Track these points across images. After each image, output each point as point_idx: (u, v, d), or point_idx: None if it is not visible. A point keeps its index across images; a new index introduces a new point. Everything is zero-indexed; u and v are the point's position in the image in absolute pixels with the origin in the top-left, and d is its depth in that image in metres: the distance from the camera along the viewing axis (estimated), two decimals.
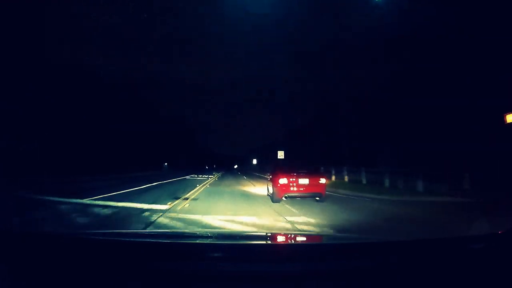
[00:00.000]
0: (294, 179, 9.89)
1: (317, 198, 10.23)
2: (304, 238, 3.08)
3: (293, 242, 2.65)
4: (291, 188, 9.83)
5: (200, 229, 5.55)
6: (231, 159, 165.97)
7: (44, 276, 1.61)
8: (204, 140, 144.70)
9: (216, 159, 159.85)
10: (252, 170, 68.26)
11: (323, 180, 10.34)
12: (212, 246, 2.06)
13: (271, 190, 11.79)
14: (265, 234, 3.73)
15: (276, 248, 2.16)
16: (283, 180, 9.87)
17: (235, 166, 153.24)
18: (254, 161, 67.53)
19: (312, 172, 10.73)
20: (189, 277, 1.59)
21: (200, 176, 32.96)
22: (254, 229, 5.99)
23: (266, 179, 13.25)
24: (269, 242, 2.63)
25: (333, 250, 1.97)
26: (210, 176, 33.86)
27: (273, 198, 10.34)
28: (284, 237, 3.14)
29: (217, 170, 69.49)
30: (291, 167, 10.78)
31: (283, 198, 9.93)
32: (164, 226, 6.13)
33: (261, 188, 16.36)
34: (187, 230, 5.43)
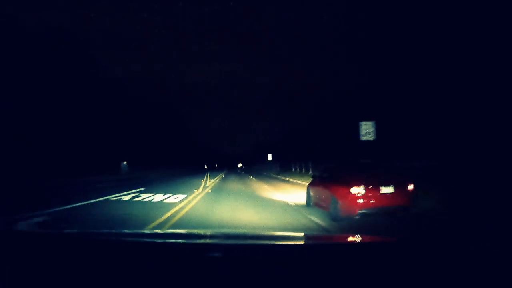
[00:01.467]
0: (374, 187, 6.18)
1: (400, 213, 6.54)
2: (308, 238, 2.82)
3: (295, 243, 2.45)
4: (370, 201, 6.12)
5: (202, 230, 4.93)
6: (235, 158, 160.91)
7: (43, 275, 1.53)
8: (205, 139, 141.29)
9: (218, 158, 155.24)
10: (264, 169, 54.18)
11: (411, 186, 6.64)
12: (213, 246, 2.01)
13: (316, 199, 8.14)
14: (268, 234, 3.29)
15: (279, 249, 1.98)
16: (357, 189, 6.13)
17: (239, 165, 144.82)
18: (269, 157, 52.29)
19: (394, 174, 7.02)
20: (189, 277, 1.49)
21: (159, 195, 11.98)
22: (258, 230, 5.67)
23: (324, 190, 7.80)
24: (272, 242, 2.44)
25: (338, 250, 1.90)
26: (185, 194, 12.69)
27: (337, 215, 6.61)
28: (287, 237, 2.90)
29: (217, 171, 55.26)
30: (363, 168, 7.11)
31: (356, 217, 6.21)
32: None
33: None
34: (189, 230, 4.71)
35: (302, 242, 2.49)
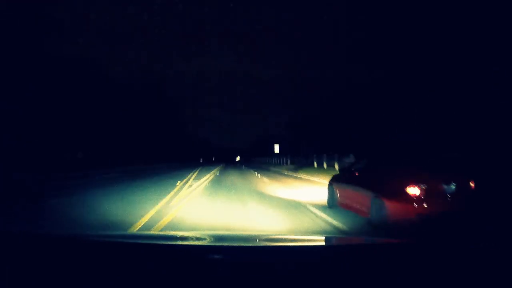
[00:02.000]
0: (435, 185, 4.73)
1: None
2: (310, 240, 2.69)
3: (297, 244, 2.39)
4: (430, 204, 4.66)
5: (200, 232, 4.61)
6: (233, 151, 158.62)
7: (43, 277, 1.50)
8: (203, 133, 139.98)
9: (216, 152, 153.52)
10: (268, 163, 45.32)
11: (472, 184, 5.20)
12: (214, 248, 2.01)
13: (345, 199, 6.78)
14: (269, 237, 2.98)
15: (280, 251, 1.95)
16: (415, 189, 4.68)
17: (238, 158, 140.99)
18: (276, 148, 42.86)
19: (450, 168, 5.58)
20: (188, 280, 1.45)
21: None
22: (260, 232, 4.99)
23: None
24: (273, 244, 2.40)
25: (341, 252, 1.93)
26: None
27: (381, 221, 5.12)
28: (288, 240, 2.77)
29: (213, 166, 48.01)
30: (413, 158, 5.69)
31: (410, 224, 4.75)
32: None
33: None
34: (186, 232, 4.42)
35: (304, 244, 2.40)
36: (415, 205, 4.63)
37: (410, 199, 4.65)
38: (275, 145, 42.24)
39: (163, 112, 61.98)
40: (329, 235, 4.66)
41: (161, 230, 5.50)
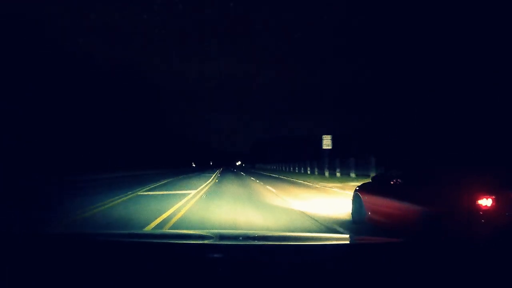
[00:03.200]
0: (506, 193, 3.97)
1: None
2: (311, 239, 2.69)
3: (297, 243, 2.40)
4: (501, 217, 3.92)
5: (201, 230, 4.96)
6: (233, 155, 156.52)
7: (43, 276, 1.51)
8: (203, 136, 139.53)
9: (215, 155, 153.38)
10: (287, 172, 36.12)
11: None
12: (214, 246, 1.99)
13: (379, 215, 5.89)
14: (270, 235, 3.10)
15: (280, 250, 1.95)
16: (487, 201, 3.86)
17: (238, 163, 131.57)
18: (326, 142, 23.65)
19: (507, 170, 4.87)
20: (189, 278, 1.46)
21: None
22: (258, 230, 5.55)
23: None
24: (273, 243, 2.38)
25: (341, 251, 1.92)
26: None
27: (438, 237, 4.42)
28: (288, 238, 2.81)
29: (207, 172, 42.05)
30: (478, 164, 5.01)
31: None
32: None
33: None
34: (187, 231, 4.67)
35: (305, 243, 2.38)
36: (487, 220, 3.88)
37: (480, 213, 3.88)
38: (323, 137, 23.92)
39: (161, 114, 61.59)
40: (330, 235, 4.66)
41: None
